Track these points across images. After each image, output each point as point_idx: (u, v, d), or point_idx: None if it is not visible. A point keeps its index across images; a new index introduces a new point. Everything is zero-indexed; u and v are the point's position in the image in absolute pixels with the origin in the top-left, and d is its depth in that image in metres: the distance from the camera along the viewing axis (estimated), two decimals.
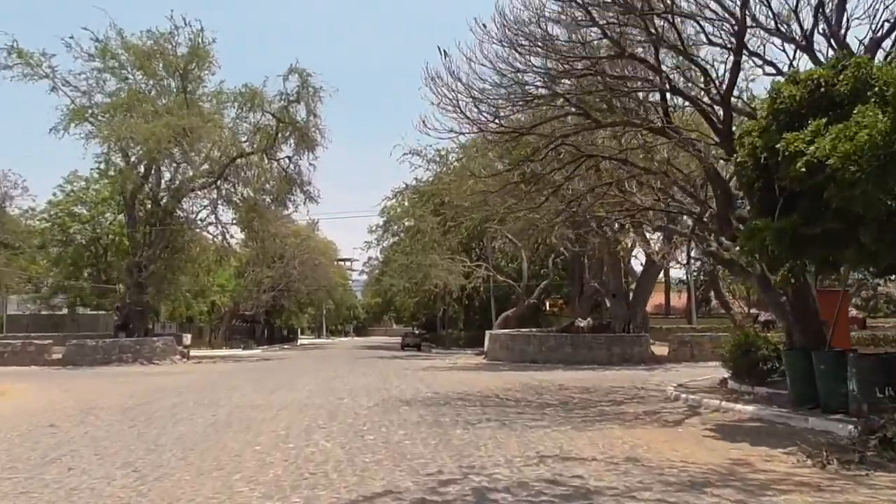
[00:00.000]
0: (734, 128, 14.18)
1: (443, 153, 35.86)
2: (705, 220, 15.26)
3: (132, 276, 37.03)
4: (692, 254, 30.52)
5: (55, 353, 32.45)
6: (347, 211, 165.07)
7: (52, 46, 57.00)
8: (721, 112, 14.44)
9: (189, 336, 39.05)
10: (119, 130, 31.93)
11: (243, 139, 40.37)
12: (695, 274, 47.42)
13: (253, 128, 39.31)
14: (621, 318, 29.26)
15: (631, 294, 31.74)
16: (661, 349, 29.45)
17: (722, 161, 15.34)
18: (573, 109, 15.41)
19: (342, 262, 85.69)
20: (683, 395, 14.87)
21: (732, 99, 14.59)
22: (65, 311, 56.19)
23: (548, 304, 51.56)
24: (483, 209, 28.65)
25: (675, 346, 28.43)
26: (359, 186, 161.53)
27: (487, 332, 35.76)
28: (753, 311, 49.88)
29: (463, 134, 15.41)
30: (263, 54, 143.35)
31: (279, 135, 39.38)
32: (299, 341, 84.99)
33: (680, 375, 22.26)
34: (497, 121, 15.47)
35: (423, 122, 15.46)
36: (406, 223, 48.16)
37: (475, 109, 15.09)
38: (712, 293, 53.81)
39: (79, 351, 31.70)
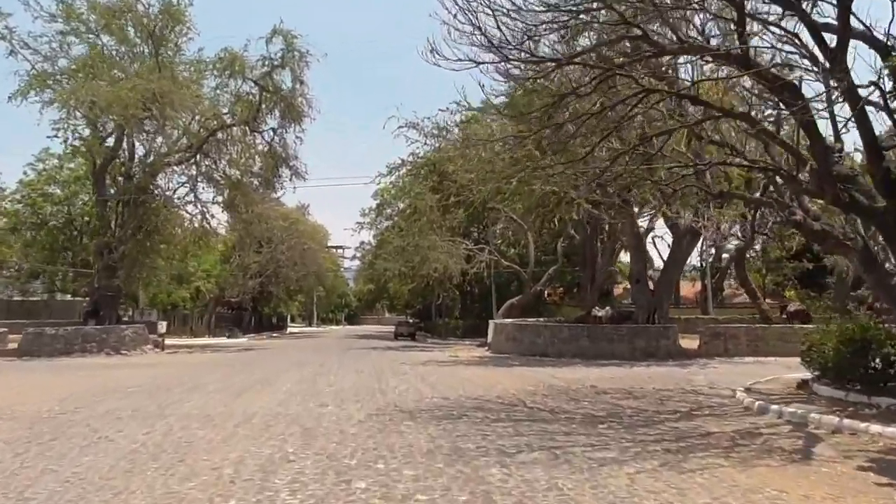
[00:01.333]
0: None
1: (442, 126, 32.11)
2: (800, 177, 11.69)
3: (102, 258, 33.20)
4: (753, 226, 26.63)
5: (11, 343, 28.65)
6: (337, 193, 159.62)
7: (8, 4, 52.23)
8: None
9: (164, 324, 35.24)
10: (78, 93, 27.96)
11: (224, 111, 36.48)
12: (709, 260, 43.97)
13: (233, 97, 35.35)
14: (645, 307, 25.69)
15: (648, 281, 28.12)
16: (688, 342, 25.90)
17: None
18: (631, 31, 11.65)
19: (334, 250, 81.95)
20: (771, 406, 11.25)
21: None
22: (44, 297, 52.51)
23: (546, 293, 47.95)
24: (491, 180, 25.08)
25: (706, 339, 24.89)
26: (351, 166, 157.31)
27: (491, 322, 32.13)
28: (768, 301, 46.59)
29: (483, 63, 11.67)
30: (246, 22, 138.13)
31: (263, 105, 35.54)
32: (289, 329, 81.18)
33: (726, 374, 18.78)
34: (529, 42, 11.72)
35: (432, 48, 11.68)
36: (401, 205, 44.36)
37: (500, 30, 11.36)
38: (730, 280, 50.44)
39: (36, 340, 27.87)
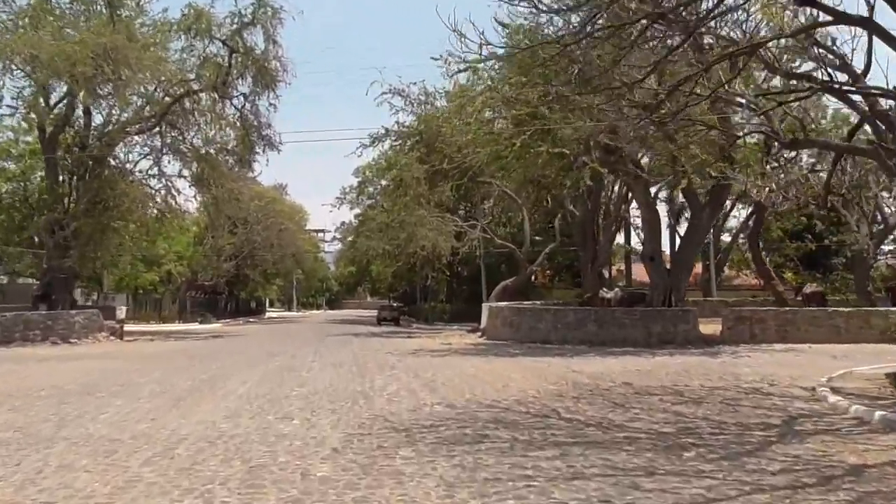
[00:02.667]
0: None
1: (431, 91, 28.64)
2: None
3: (53, 236, 29.50)
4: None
5: None
6: (317, 174, 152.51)
7: None
8: None
9: (124, 309, 31.58)
10: (14, 45, 24.15)
11: (191, 76, 32.72)
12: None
13: (200, 59, 31.58)
14: (661, 288, 22.55)
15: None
16: (707, 327, 22.82)
17: None
18: None
19: (315, 233, 78.25)
20: (888, 416, 8.10)
21: None
22: (3, 280, 48.53)
23: (534, 275, 44.77)
24: (490, 142, 21.76)
25: (729, 324, 21.79)
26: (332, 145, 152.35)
27: (485, 305, 28.87)
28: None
29: None
30: None
31: (233, 68, 31.83)
32: (267, 314, 77.56)
33: (769, 365, 15.80)
34: None
35: None
36: (384, 182, 40.76)
37: None
38: (731, 261, 47.47)
39: None
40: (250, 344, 25.16)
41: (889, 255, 50.33)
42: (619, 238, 44.58)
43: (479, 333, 28.42)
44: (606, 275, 39.68)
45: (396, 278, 52.79)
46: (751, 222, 35.52)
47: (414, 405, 9.74)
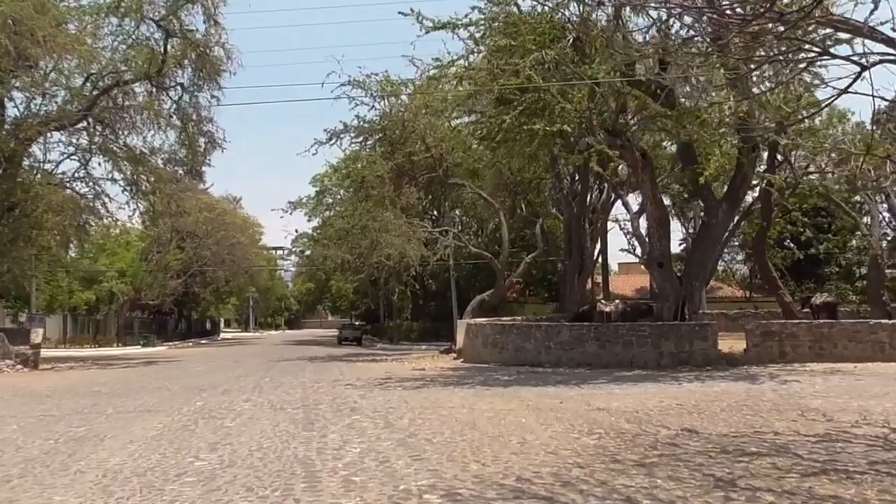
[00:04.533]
0: None
1: (395, 82, 24.66)
2: None
3: None
4: None
5: None
6: (273, 190, 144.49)
7: None
8: None
9: (40, 332, 26.69)
10: None
11: (123, 67, 28.31)
12: None
13: (129, 41, 27.19)
14: (672, 299, 18.84)
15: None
16: (727, 343, 19.14)
17: None
18: None
19: (273, 251, 73.43)
20: None
21: None
22: None
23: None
24: (476, 127, 17.90)
25: (755, 340, 18.12)
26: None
27: (461, 322, 24.86)
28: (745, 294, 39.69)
29: None
30: None
31: (169, 55, 27.52)
32: (221, 335, 72.36)
33: (838, 393, 12.16)
34: None
35: None
36: (342, 192, 36.49)
37: None
38: (717, 271, 44.17)
39: None
40: (183, 373, 20.71)
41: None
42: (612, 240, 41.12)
43: (455, 355, 24.41)
44: (588, 287, 36.11)
45: (358, 295, 48.47)
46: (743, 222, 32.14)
47: (390, 492, 5.66)
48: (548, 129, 14.82)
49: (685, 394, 12.64)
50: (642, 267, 59.56)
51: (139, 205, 30.33)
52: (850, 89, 8.71)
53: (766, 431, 8.52)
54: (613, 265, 50.39)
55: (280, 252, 65.69)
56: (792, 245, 42.51)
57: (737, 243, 42.76)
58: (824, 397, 11.83)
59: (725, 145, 17.43)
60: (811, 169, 26.19)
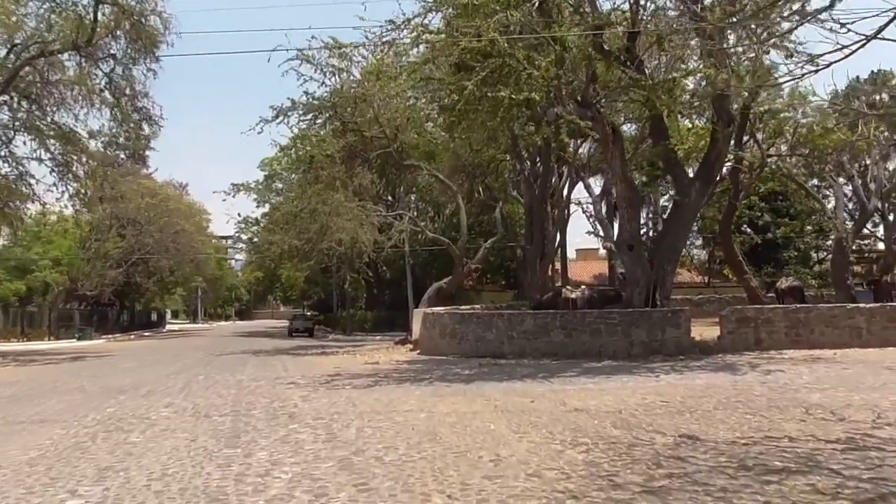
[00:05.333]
0: None
1: (346, 45, 22.72)
2: None
3: None
4: None
5: None
6: (222, 175, 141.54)
7: None
8: None
9: None
10: None
11: (49, 36, 25.85)
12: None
13: (54, 7, 24.75)
14: (643, 284, 17.57)
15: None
16: (696, 330, 17.97)
17: None
18: None
19: (223, 241, 70.60)
20: None
21: None
22: None
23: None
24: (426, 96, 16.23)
25: (730, 327, 16.99)
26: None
27: (417, 311, 23.27)
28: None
29: None
30: None
31: (98, 23, 25.14)
32: (167, 327, 69.30)
33: (831, 385, 11.05)
34: None
35: None
36: (293, 176, 34.44)
37: None
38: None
39: None
40: (110, 370, 18.67)
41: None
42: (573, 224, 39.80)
43: (411, 346, 22.87)
44: (550, 274, 34.87)
45: (310, 284, 46.42)
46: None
47: None
48: (514, 97, 13.31)
49: (667, 389, 11.33)
50: (601, 253, 58.78)
51: (68, 187, 28.01)
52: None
53: (778, 436, 7.20)
54: (571, 252, 49.25)
55: (229, 241, 63.13)
56: (749, 230, 42.09)
57: (695, 227, 42.11)
58: (820, 390, 10.65)
59: (699, 121, 16.16)
60: (772, 152, 25.33)
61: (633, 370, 14.29)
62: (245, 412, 9.63)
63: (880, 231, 39.46)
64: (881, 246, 42.00)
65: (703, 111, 15.63)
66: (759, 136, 23.80)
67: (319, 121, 26.49)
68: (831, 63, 8.30)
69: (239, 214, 49.26)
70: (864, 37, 7.81)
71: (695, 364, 14.97)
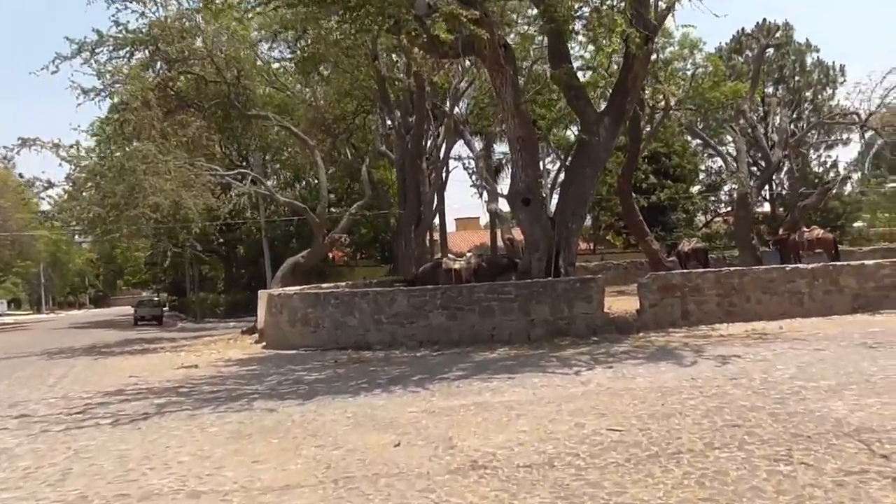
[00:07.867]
0: None
1: None
2: None
3: None
4: None
5: None
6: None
7: None
8: None
9: None
10: None
11: None
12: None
13: None
14: (543, 248, 13.71)
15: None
16: (615, 303, 14.39)
17: None
18: None
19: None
20: None
21: None
22: None
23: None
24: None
25: (653, 298, 13.44)
26: None
27: (262, 293, 18.38)
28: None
29: None
30: None
31: None
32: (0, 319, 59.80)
33: (810, 376, 7.39)
34: None
35: None
36: (114, 150, 27.94)
37: None
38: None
39: None
40: None
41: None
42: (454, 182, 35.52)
43: (256, 337, 18.08)
44: (428, 244, 30.81)
45: (156, 266, 39.96)
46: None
47: None
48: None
49: (606, 400, 7.36)
50: (482, 222, 55.22)
51: None
52: None
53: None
54: (450, 224, 45.52)
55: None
56: (634, 194, 39.89)
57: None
58: (826, 391, 7.09)
59: (609, 37, 12.31)
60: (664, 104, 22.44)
61: (541, 363, 10.37)
62: None
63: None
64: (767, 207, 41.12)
65: (613, 26, 11.71)
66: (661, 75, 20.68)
67: (137, 57, 20.78)
68: None
69: (37, 178, 41.23)
70: None
71: (619, 350, 11.22)
